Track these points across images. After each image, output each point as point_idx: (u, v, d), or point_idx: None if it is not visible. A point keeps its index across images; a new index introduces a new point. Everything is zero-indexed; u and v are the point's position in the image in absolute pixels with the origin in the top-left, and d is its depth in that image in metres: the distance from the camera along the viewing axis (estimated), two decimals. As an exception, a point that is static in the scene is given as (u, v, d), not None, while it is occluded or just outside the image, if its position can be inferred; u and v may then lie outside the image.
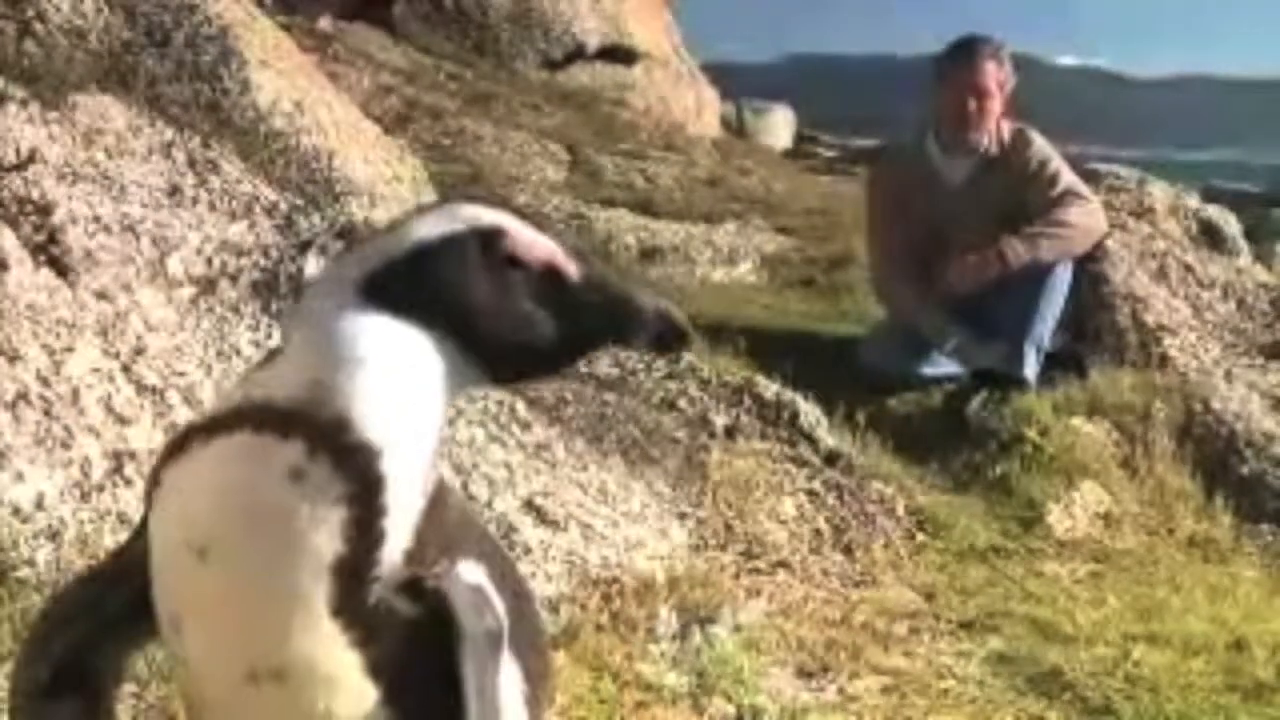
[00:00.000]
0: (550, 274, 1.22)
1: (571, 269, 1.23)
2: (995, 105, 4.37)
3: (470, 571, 1.25)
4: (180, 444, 1.16)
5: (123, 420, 2.37)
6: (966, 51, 4.39)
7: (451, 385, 1.20)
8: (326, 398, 1.13)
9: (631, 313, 1.25)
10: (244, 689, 1.17)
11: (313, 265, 3.03)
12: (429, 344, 1.18)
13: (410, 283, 1.18)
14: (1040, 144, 4.44)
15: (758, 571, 3.06)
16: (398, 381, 1.16)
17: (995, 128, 4.40)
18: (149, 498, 1.19)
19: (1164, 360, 4.57)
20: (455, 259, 1.20)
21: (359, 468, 1.13)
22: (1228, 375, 4.58)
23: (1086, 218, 4.43)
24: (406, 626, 1.18)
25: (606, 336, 1.27)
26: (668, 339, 1.27)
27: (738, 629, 2.66)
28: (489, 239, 1.21)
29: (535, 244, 1.23)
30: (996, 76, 4.35)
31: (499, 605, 1.27)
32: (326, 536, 1.13)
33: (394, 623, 1.17)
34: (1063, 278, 4.37)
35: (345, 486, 1.13)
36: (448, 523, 1.24)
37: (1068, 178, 4.45)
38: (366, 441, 1.13)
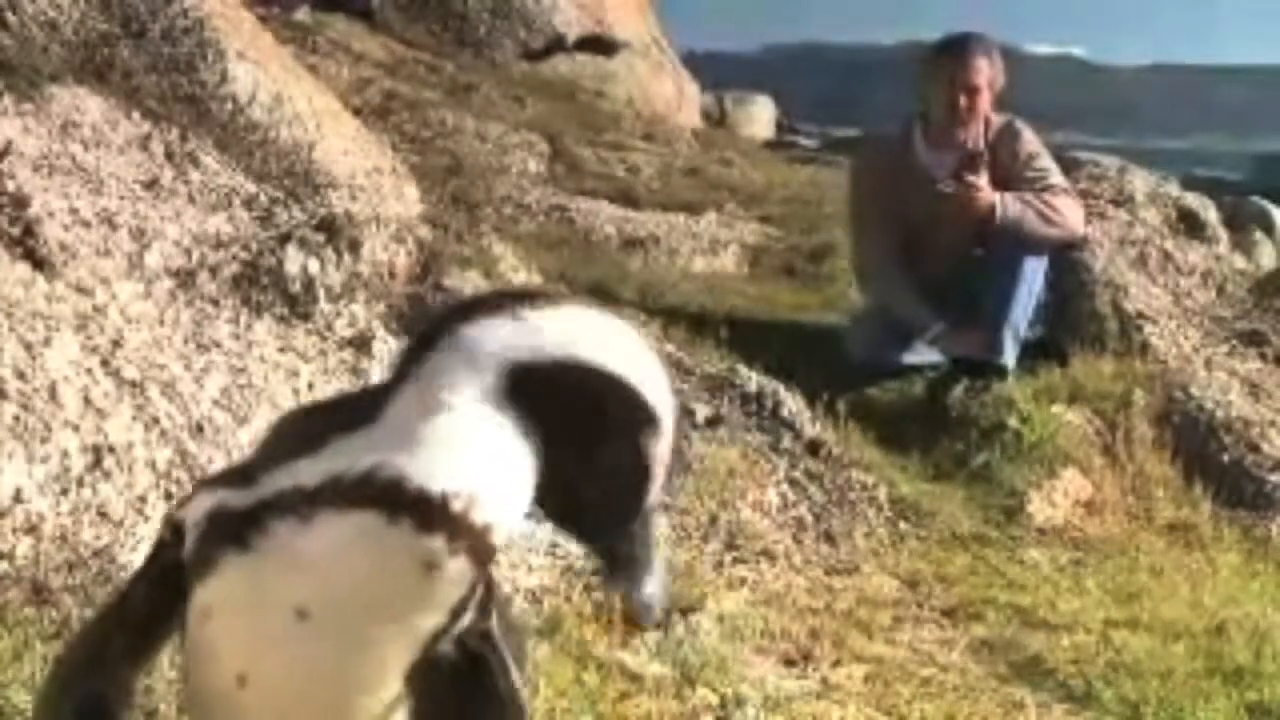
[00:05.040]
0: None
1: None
2: (984, 102, 4.37)
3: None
4: (298, 505, 1.13)
5: (101, 414, 2.36)
6: (958, 48, 4.39)
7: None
8: (466, 499, 1.11)
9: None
10: None
11: (293, 258, 3.02)
12: (539, 464, 1.15)
13: (550, 402, 1.14)
14: (1029, 137, 4.44)
15: (740, 561, 3.06)
16: (520, 488, 1.15)
17: (983, 122, 4.40)
18: (228, 543, 1.15)
19: (1144, 348, 4.59)
20: (613, 402, 1.15)
21: (487, 563, 1.15)
22: (1207, 362, 4.60)
23: (1073, 213, 4.45)
24: (447, 672, 1.21)
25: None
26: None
27: (721, 618, 2.67)
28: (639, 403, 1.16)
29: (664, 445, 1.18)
30: (987, 73, 4.35)
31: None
32: (437, 617, 1.15)
33: (440, 671, 1.20)
34: (1038, 266, 4.38)
35: (472, 577, 1.14)
36: None
37: (1056, 173, 4.46)
38: (496, 542, 1.14)
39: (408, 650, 1.16)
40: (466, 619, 1.18)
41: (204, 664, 1.19)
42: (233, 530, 1.15)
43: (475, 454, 1.13)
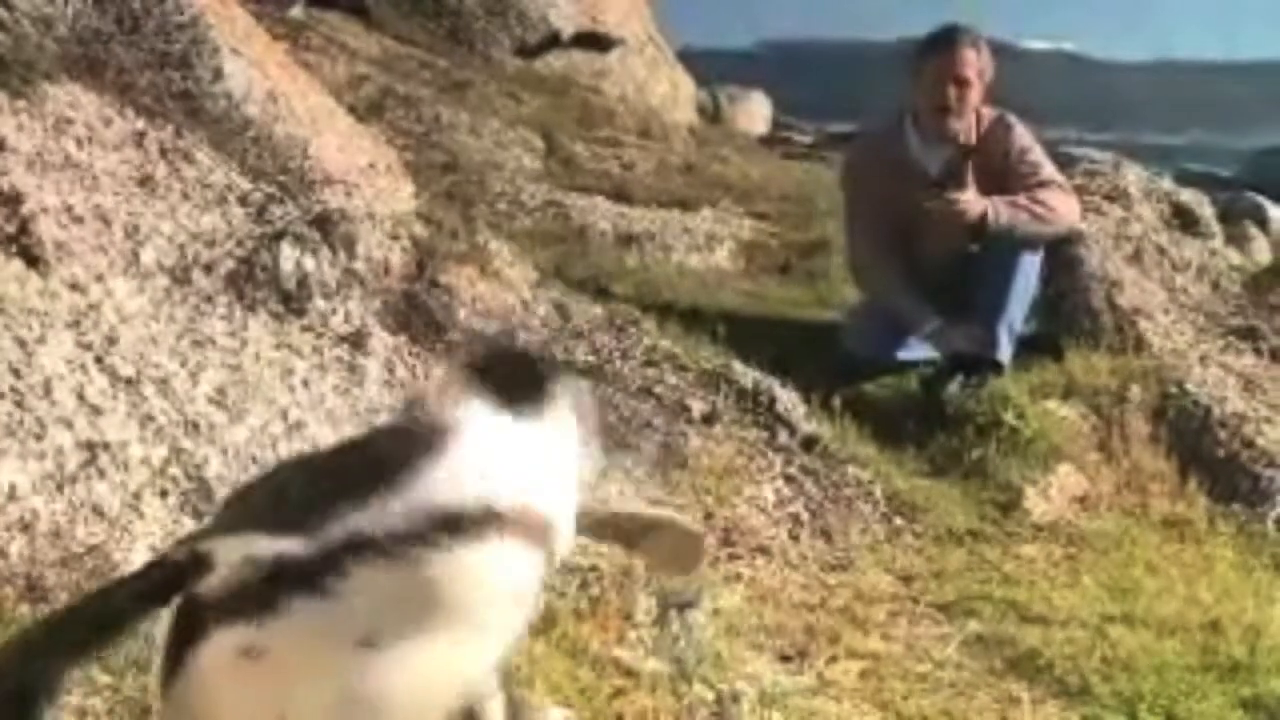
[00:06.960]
0: None
1: None
2: (974, 94, 4.37)
3: None
4: (389, 545, 1.21)
5: (96, 410, 2.36)
6: (946, 40, 4.39)
7: None
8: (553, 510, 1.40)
9: None
10: None
11: (288, 255, 3.02)
12: None
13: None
14: (1020, 132, 4.44)
15: (736, 557, 3.06)
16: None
17: (974, 116, 4.40)
18: (296, 587, 1.20)
19: (1139, 343, 4.59)
20: None
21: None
22: (1202, 358, 4.60)
23: (1067, 207, 4.45)
24: None
25: None
26: None
27: (716, 614, 2.67)
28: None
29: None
30: (976, 65, 4.35)
31: None
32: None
33: None
34: (1034, 262, 4.38)
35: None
36: None
37: (1049, 167, 4.45)
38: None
39: (480, 661, 1.30)
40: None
41: (234, 703, 1.20)
42: (300, 575, 1.18)
43: (554, 469, 1.40)
